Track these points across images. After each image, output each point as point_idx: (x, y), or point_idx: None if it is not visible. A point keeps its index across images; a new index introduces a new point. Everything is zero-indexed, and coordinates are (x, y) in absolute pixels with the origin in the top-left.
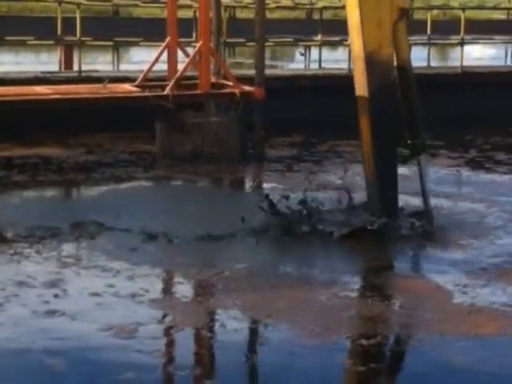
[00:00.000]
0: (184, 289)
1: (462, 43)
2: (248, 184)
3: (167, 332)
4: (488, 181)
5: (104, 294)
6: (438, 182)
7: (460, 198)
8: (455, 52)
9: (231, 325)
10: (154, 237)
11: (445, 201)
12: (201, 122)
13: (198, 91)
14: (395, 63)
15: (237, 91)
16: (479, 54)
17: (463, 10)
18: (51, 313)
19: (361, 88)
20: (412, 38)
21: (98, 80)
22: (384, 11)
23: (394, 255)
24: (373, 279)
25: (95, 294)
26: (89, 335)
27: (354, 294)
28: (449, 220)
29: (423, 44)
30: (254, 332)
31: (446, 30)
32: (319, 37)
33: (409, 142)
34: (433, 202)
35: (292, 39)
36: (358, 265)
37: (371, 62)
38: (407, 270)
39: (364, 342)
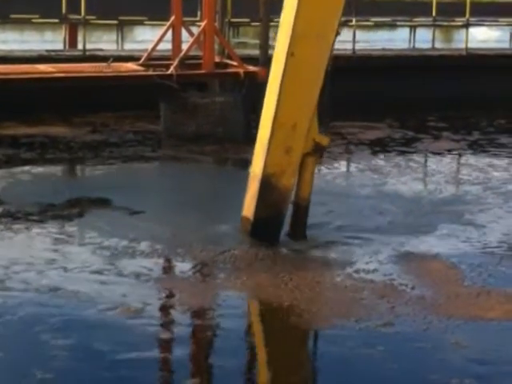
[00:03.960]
0: (188, 268)
1: (467, 25)
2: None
3: (172, 312)
4: (487, 163)
5: (106, 273)
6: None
7: (460, 180)
8: (460, 34)
9: (238, 306)
10: (157, 214)
11: (445, 183)
12: (205, 102)
13: (202, 71)
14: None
15: (241, 71)
16: (484, 37)
17: None
18: (54, 290)
19: (248, 209)
20: (417, 19)
21: (103, 59)
22: (297, 139)
23: (406, 235)
24: (387, 260)
25: (97, 272)
26: (92, 314)
27: (368, 276)
28: (451, 201)
29: (428, 26)
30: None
31: (451, 11)
32: None
33: None
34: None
35: None
36: (371, 246)
37: (267, 186)
38: (420, 249)
39: (373, 324)
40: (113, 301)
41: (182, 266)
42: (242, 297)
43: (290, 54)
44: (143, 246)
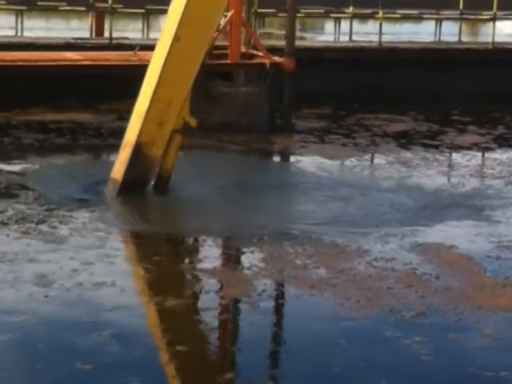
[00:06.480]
0: (226, 258)
1: (493, 19)
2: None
3: (222, 302)
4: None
5: (151, 265)
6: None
7: (484, 174)
8: (487, 28)
9: (275, 295)
10: (194, 204)
11: (468, 177)
12: (230, 92)
13: (227, 61)
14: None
15: (267, 62)
16: (511, 31)
17: None
18: (99, 284)
19: (117, 172)
20: (444, 12)
21: (129, 47)
22: (170, 115)
23: (422, 225)
24: (404, 250)
25: (140, 264)
26: (137, 307)
27: (390, 264)
28: (472, 195)
29: (454, 19)
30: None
31: (478, 5)
32: (350, 9)
33: None
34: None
35: (323, 11)
36: (388, 235)
37: (138, 153)
38: (436, 240)
39: (406, 314)
40: (157, 293)
41: (228, 256)
42: (273, 284)
43: (176, 39)
44: (184, 236)
